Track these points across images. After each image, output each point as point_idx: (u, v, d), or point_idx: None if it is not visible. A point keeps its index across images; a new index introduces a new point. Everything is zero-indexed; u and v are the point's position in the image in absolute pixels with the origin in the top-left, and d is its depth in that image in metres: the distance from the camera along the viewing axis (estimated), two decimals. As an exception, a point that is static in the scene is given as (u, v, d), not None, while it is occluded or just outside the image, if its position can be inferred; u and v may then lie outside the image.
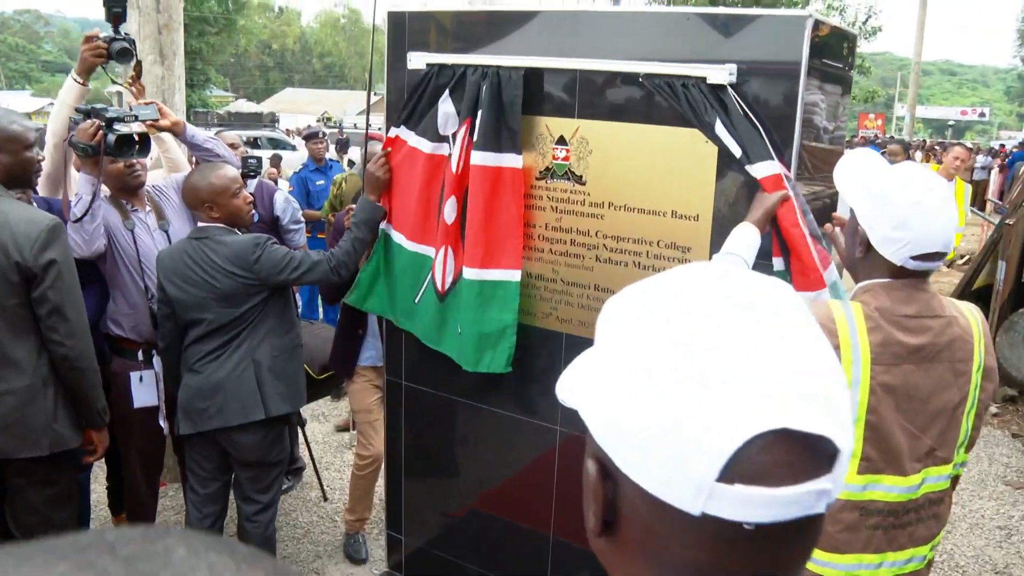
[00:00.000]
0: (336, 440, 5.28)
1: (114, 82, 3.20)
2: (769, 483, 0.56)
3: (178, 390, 3.08)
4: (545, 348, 2.84)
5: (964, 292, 6.93)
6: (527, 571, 3.05)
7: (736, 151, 2.29)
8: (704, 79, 2.34)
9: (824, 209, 2.55)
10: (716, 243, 2.44)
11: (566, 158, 2.69)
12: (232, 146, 4.61)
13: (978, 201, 15.41)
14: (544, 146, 2.73)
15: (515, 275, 2.77)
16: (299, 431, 4.35)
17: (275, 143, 19.64)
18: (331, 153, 8.95)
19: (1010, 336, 6.45)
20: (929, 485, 1.85)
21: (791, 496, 0.57)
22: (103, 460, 3.55)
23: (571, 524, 2.88)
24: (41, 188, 3.11)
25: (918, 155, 19.80)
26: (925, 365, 1.77)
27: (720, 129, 2.31)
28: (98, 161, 2.95)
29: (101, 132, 2.91)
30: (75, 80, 3.16)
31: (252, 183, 4.46)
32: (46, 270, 2.57)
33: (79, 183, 2.96)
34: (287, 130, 24.70)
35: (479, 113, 2.69)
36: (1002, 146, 22.15)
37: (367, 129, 3.60)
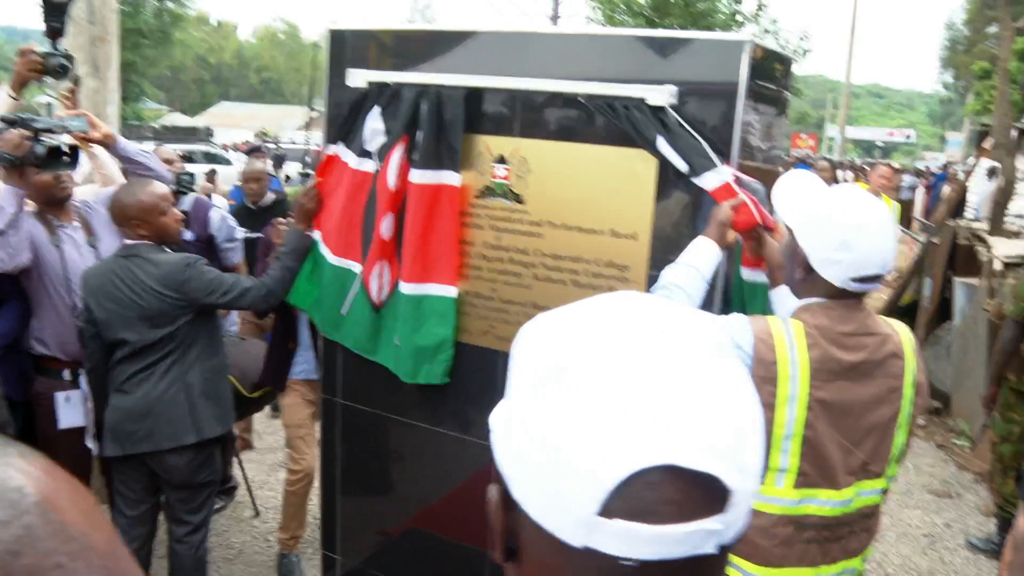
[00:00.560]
0: (271, 459, 5.20)
1: (46, 94, 3.10)
2: (653, 520, 0.55)
3: (104, 411, 3.00)
4: (483, 366, 2.83)
5: (892, 308, 7.15)
6: (466, 590, 3.03)
7: (682, 166, 2.32)
8: (644, 100, 2.38)
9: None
10: (655, 261, 2.47)
11: (506, 177, 2.70)
12: (168, 162, 4.53)
13: (905, 220, 15.92)
14: (484, 165, 2.73)
15: (451, 291, 2.79)
16: (232, 449, 4.26)
17: (210, 157, 19.33)
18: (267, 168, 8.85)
19: (935, 350, 6.68)
20: (862, 499, 1.88)
21: (676, 535, 0.55)
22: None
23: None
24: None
25: (849, 174, 20.42)
26: (861, 381, 1.81)
27: (663, 145, 2.34)
28: (24, 172, 2.86)
29: (28, 143, 2.83)
30: (8, 95, 3.06)
31: (187, 199, 4.37)
32: None
33: (2, 195, 2.85)
34: (223, 145, 24.32)
35: (418, 132, 2.70)
36: (927, 167, 22.97)
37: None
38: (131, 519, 3.09)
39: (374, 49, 2.93)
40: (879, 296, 8.67)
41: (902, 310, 7.19)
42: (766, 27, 23.06)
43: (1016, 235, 7.11)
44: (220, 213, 4.48)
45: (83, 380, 3.19)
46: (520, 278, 2.74)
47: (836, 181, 11.64)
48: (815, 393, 1.76)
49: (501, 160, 2.70)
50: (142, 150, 3.38)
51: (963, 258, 6.68)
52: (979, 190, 12.15)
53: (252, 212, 5.27)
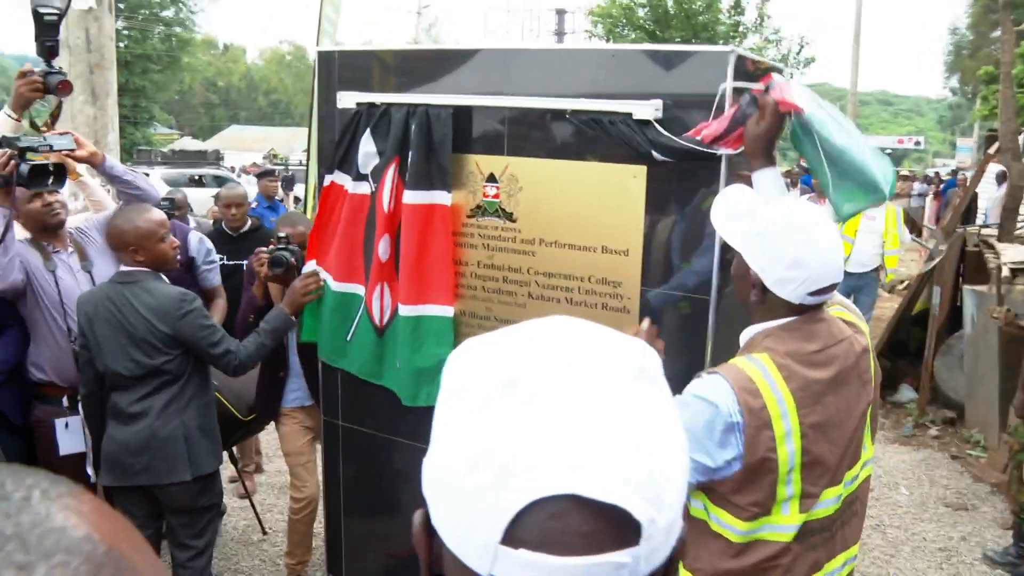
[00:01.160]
0: (280, 481, 5.16)
1: (34, 124, 3.10)
2: (558, 551, 0.53)
3: (101, 438, 2.98)
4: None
5: (903, 317, 7.08)
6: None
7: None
8: (630, 115, 2.36)
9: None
10: (646, 277, 2.45)
11: (496, 195, 2.69)
12: (179, 208, 4.58)
13: (916, 227, 15.84)
14: (474, 184, 2.73)
15: (448, 311, 2.79)
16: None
17: (220, 180, 19.42)
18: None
19: (947, 359, 6.59)
20: (850, 487, 1.88)
21: (581, 567, 0.53)
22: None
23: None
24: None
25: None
26: (840, 391, 1.80)
27: (659, 156, 2.33)
28: (10, 191, 2.84)
29: (13, 162, 2.81)
30: (8, 116, 3.06)
31: None
32: None
33: None
34: (232, 167, 24.45)
35: (409, 152, 2.69)
36: (936, 173, 22.83)
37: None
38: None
39: (364, 71, 2.93)
40: (891, 305, 8.59)
41: (914, 319, 7.12)
42: (768, 37, 23.09)
43: (1025, 240, 7.04)
44: (198, 235, 4.45)
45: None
46: (515, 296, 2.72)
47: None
48: (805, 420, 1.73)
49: (491, 178, 2.69)
50: (129, 168, 3.37)
51: (972, 265, 6.61)
52: (989, 196, 12.09)
53: (231, 239, 5.03)
